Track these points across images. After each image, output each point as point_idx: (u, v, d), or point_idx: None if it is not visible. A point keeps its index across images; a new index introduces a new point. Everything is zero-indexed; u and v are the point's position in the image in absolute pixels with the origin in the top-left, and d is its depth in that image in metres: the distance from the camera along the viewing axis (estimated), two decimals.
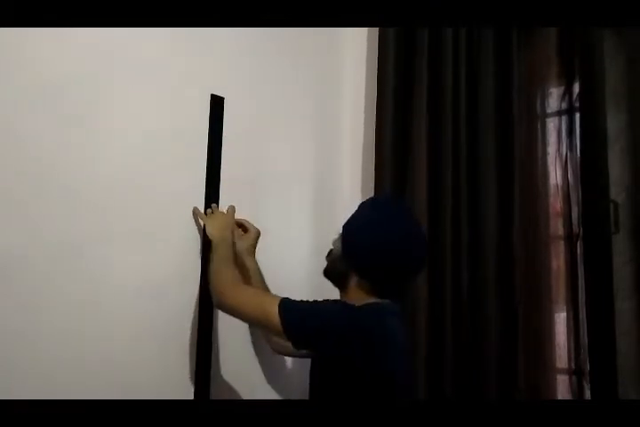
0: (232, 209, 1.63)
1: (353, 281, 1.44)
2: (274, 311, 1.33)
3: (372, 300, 1.41)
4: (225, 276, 1.46)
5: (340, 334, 1.30)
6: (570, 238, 1.70)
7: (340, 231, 1.49)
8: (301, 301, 1.38)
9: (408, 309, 1.78)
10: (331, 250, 1.53)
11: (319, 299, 1.41)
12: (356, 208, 1.51)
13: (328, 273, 1.52)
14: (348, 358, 1.31)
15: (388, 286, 1.43)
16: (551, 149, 1.78)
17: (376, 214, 1.46)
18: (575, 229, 1.69)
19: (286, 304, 1.35)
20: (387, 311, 1.39)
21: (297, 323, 1.33)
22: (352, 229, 1.46)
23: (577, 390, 1.65)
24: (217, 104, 1.71)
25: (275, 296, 1.40)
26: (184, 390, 1.57)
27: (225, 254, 1.51)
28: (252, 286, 1.54)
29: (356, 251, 1.43)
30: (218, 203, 1.68)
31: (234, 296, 1.42)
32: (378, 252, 1.39)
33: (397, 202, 1.62)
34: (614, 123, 1.64)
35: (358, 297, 1.42)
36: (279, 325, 1.32)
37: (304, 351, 1.40)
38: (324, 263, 1.54)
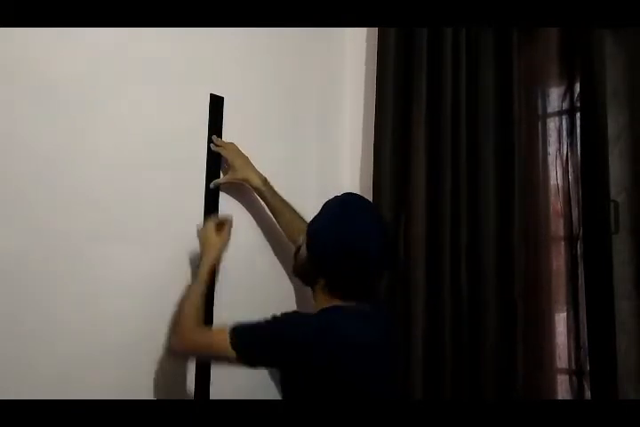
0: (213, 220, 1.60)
1: (320, 284, 1.44)
2: (224, 343, 1.32)
3: (335, 303, 1.41)
4: (182, 320, 1.44)
5: (294, 349, 1.30)
6: (570, 238, 1.70)
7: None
8: (254, 323, 1.35)
9: (406, 309, 1.79)
10: (298, 248, 1.51)
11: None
12: (321, 208, 1.49)
13: (296, 273, 1.53)
14: (306, 369, 1.31)
15: (352, 288, 1.42)
16: (552, 149, 1.77)
17: (335, 216, 1.42)
18: (575, 229, 1.68)
19: (236, 333, 1.33)
20: (346, 314, 1.37)
21: (249, 348, 1.32)
22: (314, 232, 1.44)
23: (577, 390, 1.64)
24: (216, 104, 1.71)
25: (223, 329, 1.35)
26: (184, 390, 1.57)
27: (193, 290, 1.48)
28: (203, 328, 1.46)
29: (320, 257, 1.41)
30: (217, 202, 1.69)
31: (183, 344, 1.42)
32: (338, 257, 1.37)
33: (359, 201, 1.51)
34: (615, 123, 1.64)
35: (323, 299, 1.43)
36: (234, 355, 1.32)
37: None
38: None
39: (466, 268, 1.75)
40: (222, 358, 1.38)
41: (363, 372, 1.33)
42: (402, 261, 1.83)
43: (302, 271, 1.50)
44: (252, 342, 1.33)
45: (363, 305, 1.42)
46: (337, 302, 1.41)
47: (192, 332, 1.42)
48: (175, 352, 1.48)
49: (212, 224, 1.58)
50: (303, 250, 1.47)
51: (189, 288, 1.51)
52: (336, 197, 1.50)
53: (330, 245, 1.38)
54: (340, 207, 1.45)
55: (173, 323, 1.48)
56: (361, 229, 1.39)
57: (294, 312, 1.42)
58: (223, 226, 1.58)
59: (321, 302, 1.45)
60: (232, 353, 1.32)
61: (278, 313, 1.38)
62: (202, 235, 1.57)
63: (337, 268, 1.39)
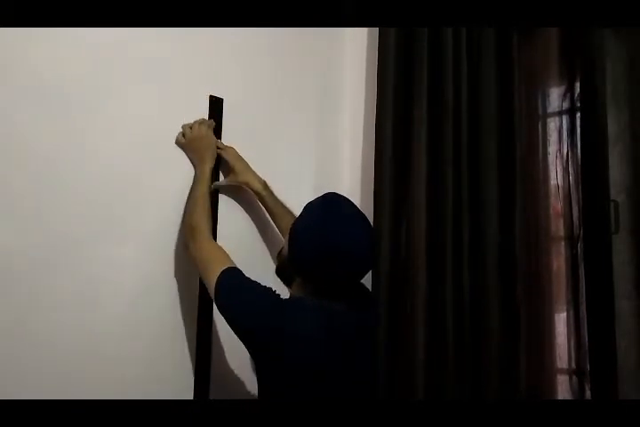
0: (210, 125, 1.66)
1: (297, 281, 1.46)
2: (212, 284, 1.40)
3: (303, 296, 1.42)
4: (198, 223, 1.52)
5: (253, 322, 1.34)
6: (570, 238, 1.70)
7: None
8: (238, 281, 1.40)
9: (408, 310, 1.79)
10: (281, 249, 1.52)
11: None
12: (303, 208, 1.48)
13: (278, 273, 1.54)
14: (259, 349, 1.35)
15: (326, 288, 1.41)
16: (552, 149, 1.78)
17: (317, 217, 1.41)
18: (576, 229, 1.69)
19: (222, 283, 1.39)
20: (307, 307, 1.38)
21: (223, 305, 1.39)
22: (295, 233, 1.43)
23: (577, 390, 1.64)
24: (216, 105, 1.71)
25: (219, 267, 1.41)
26: (184, 390, 1.57)
27: (201, 192, 1.57)
28: (215, 246, 1.53)
29: (298, 257, 1.41)
30: (217, 204, 1.69)
31: (197, 250, 1.50)
32: (316, 258, 1.36)
33: (341, 202, 1.48)
34: (615, 123, 1.64)
35: (296, 293, 1.46)
36: (215, 299, 1.40)
37: None
38: None
39: (468, 268, 1.75)
40: (208, 288, 1.44)
41: (307, 363, 1.34)
42: (403, 260, 1.84)
43: (282, 271, 1.51)
44: (227, 300, 1.39)
45: (332, 303, 1.40)
46: (304, 296, 1.42)
47: (203, 240, 1.51)
48: (188, 251, 1.54)
49: (206, 127, 1.65)
50: (285, 250, 1.47)
51: (197, 191, 1.57)
52: (318, 197, 1.49)
53: (309, 246, 1.38)
54: (322, 208, 1.44)
55: (186, 223, 1.55)
56: (341, 230, 1.38)
57: (271, 294, 1.41)
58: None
59: (291, 295, 1.47)
60: (214, 293, 1.40)
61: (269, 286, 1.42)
62: (197, 138, 1.62)
63: (314, 268, 1.38)
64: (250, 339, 1.36)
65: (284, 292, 1.46)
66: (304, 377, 1.34)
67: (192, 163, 1.64)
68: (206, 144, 1.63)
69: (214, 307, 1.61)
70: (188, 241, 1.53)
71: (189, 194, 1.58)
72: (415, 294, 1.78)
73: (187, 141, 1.63)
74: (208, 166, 1.61)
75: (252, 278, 1.41)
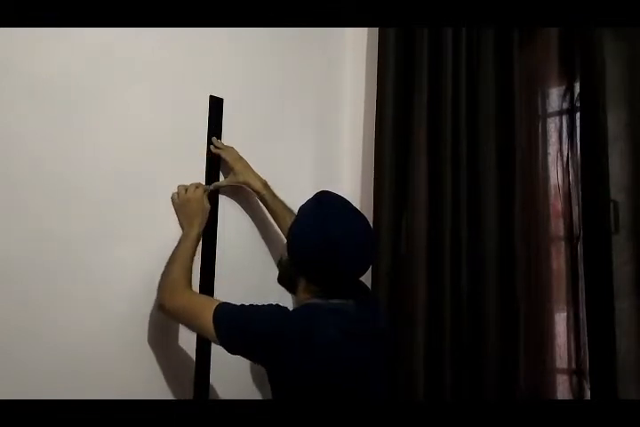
0: (205, 190, 1.64)
1: (302, 285, 1.44)
2: (208, 323, 1.34)
3: (313, 301, 1.40)
4: (171, 278, 1.47)
5: (266, 342, 1.31)
6: (570, 239, 1.70)
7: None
8: (236, 307, 1.36)
9: (408, 309, 1.79)
10: (281, 257, 1.53)
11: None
12: (298, 210, 1.48)
13: (281, 280, 1.53)
14: (277, 363, 1.32)
15: (333, 287, 1.40)
16: (552, 149, 1.78)
17: (313, 216, 1.41)
18: (575, 229, 1.69)
19: (219, 316, 1.34)
20: (322, 311, 1.36)
21: (227, 335, 1.34)
22: (294, 235, 1.43)
23: (577, 390, 1.64)
24: (216, 105, 1.71)
25: (210, 306, 1.36)
26: (184, 390, 1.57)
27: (183, 252, 1.52)
28: (196, 293, 1.51)
29: (300, 257, 1.41)
30: (217, 204, 1.69)
31: (177, 300, 1.44)
32: (318, 255, 1.35)
33: (335, 199, 1.48)
34: (614, 123, 1.64)
35: (304, 298, 1.43)
36: (215, 336, 1.34)
37: None
38: None
39: (467, 267, 1.75)
40: (203, 331, 1.38)
41: (326, 371, 1.32)
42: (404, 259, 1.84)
43: (286, 277, 1.50)
44: (230, 327, 1.34)
45: (343, 303, 1.40)
46: (316, 300, 1.40)
47: (183, 292, 1.45)
48: (164, 309, 1.47)
49: (201, 191, 1.62)
50: (285, 256, 1.47)
51: (179, 250, 1.53)
52: (310, 198, 1.48)
53: (310, 244, 1.37)
54: (316, 207, 1.44)
55: (163, 281, 1.49)
56: (339, 224, 1.38)
57: (277, 306, 1.39)
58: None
59: (300, 301, 1.45)
60: (212, 330, 1.34)
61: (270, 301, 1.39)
62: (191, 200, 1.59)
63: (319, 266, 1.37)
64: (267, 356, 1.33)
65: (287, 302, 1.44)
66: (324, 381, 1.31)
67: (180, 225, 1.60)
68: (197, 208, 1.59)
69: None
70: (163, 297, 1.47)
71: (171, 255, 1.53)
72: (415, 293, 1.78)
73: (179, 202, 1.60)
74: (195, 231, 1.57)
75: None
